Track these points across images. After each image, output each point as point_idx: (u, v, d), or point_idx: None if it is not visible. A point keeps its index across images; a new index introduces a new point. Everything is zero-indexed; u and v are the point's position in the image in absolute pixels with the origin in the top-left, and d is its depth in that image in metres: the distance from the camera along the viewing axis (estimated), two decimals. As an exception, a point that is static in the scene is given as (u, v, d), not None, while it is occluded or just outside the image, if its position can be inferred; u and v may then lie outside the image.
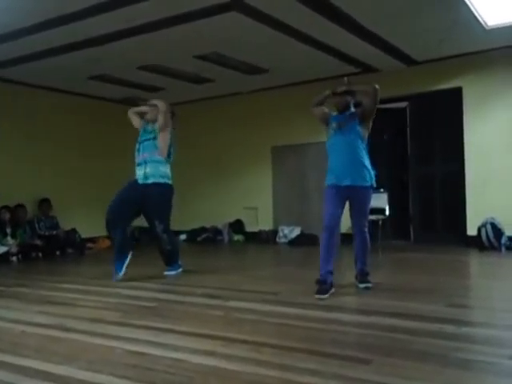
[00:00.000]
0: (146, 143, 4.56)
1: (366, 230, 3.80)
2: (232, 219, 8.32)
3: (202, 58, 6.24)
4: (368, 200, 3.77)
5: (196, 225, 8.49)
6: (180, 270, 4.72)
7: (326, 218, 3.66)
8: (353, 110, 3.83)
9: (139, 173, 4.55)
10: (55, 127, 7.61)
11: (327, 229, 3.63)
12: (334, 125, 3.75)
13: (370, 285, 3.75)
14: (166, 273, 4.68)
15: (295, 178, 7.84)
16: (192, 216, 8.40)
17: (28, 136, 7.22)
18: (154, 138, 4.55)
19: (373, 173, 3.75)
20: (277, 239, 7.76)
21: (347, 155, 3.65)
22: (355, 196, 3.70)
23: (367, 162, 3.72)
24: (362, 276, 3.80)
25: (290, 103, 7.72)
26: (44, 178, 7.33)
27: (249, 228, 8.23)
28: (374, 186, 3.78)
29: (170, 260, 4.71)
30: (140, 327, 2.87)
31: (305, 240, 7.30)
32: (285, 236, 7.70)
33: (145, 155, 4.53)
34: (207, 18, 4.90)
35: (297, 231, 7.63)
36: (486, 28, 5.39)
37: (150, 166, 4.49)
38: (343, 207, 3.74)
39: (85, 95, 7.84)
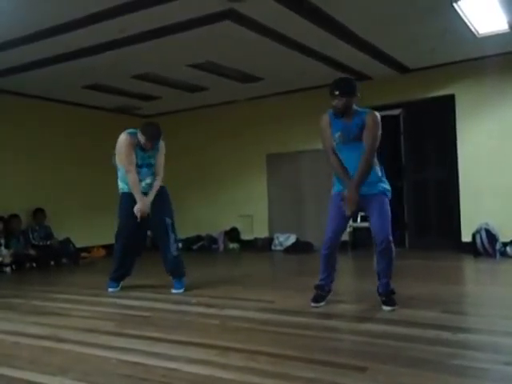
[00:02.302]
0: (147, 162, 4.40)
1: (391, 238, 3.33)
2: (227, 227, 8.31)
3: (196, 66, 6.26)
4: (384, 204, 3.33)
5: (191, 233, 8.47)
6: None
7: (328, 232, 3.42)
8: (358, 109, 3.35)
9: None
10: (48, 136, 7.59)
11: (328, 246, 3.44)
12: (336, 135, 3.38)
13: (396, 307, 3.31)
14: (174, 290, 4.31)
15: (290, 186, 7.84)
16: (187, 224, 8.36)
17: (21, 146, 7.20)
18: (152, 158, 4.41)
19: (383, 183, 3.37)
20: (272, 247, 7.75)
21: (353, 169, 3.33)
22: (366, 204, 3.36)
23: (374, 176, 3.34)
24: (388, 296, 3.37)
25: (285, 111, 7.75)
26: (38, 188, 7.30)
27: (244, 236, 8.22)
28: (388, 195, 3.36)
29: (181, 269, 4.38)
30: (134, 337, 2.85)
31: (300, 247, 7.30)
32: (280, 244, 7.69)
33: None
34: (201, 28, 4.92)
35: (292, 239, 7.62)
36: (478, 36, 5.45)
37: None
38: (348, 219, 3.51)
39: (78, 104, 7.84)
